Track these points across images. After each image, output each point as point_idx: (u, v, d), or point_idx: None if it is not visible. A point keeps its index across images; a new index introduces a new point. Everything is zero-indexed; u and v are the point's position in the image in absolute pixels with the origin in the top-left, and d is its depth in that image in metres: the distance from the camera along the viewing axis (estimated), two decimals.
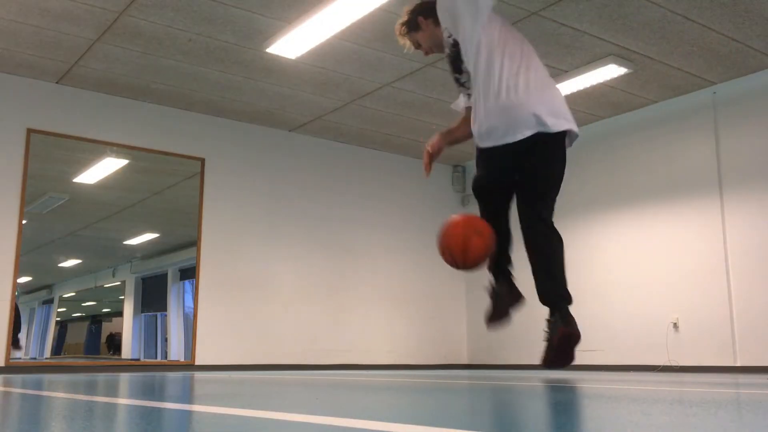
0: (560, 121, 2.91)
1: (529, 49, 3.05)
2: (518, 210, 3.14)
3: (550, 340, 2.91)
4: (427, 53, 3.47)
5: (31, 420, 1.43)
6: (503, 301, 3.20)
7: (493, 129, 2.95)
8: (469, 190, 8.45)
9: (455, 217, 3.06)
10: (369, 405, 1.83)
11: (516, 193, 3.13)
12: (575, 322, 2.87)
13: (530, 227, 3.07)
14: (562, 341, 2.86)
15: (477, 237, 2.94)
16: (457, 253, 2.94)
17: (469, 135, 3.24)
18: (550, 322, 2.93)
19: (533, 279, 3.05)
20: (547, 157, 2.98)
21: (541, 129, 2.87)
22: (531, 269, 3.07)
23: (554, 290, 2.95)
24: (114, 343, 6.78)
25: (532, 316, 8.13)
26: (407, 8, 3.33)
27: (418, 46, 3.39)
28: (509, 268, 3.22)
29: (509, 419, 1.41)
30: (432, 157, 3.36)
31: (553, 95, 2.99)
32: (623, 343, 6.61)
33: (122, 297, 6.81)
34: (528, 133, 2.88)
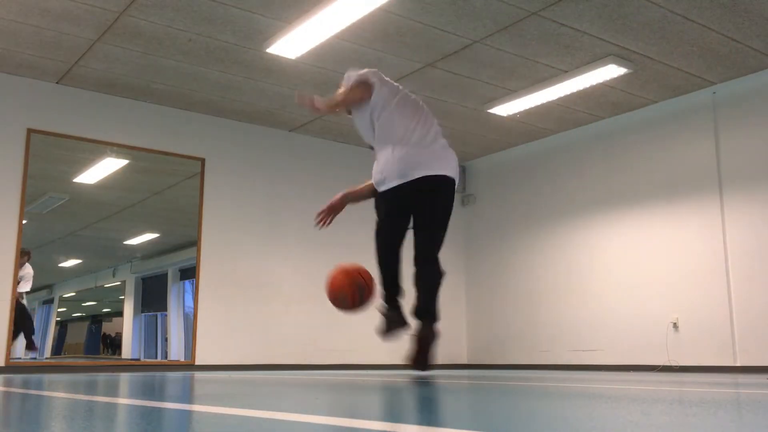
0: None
1: None
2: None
3: (413, 342, 3.54)
4: None
5: (31, 420, 1.43)
6: (393, 323, 3.61)
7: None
8: (470, 190, 8.48)
9: (340, 276, 3.54)
10: (369, 405, 1.83)
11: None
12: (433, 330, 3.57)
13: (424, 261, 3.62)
14: (420, 341, 3.54)
15: (365, 292, 3.49)
16: (350, 304, 3.48)
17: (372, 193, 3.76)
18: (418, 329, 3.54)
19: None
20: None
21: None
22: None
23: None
24: (113, 342, 6.78)
25: (532, 319, 8.15)
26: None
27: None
28: (400, 299, 3.64)
29: (509, 419, 1.41)
30: (332, 212, 3.88)
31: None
32: (623, 343, 6.61)
33: (122, 297, 6.81)
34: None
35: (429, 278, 3.58)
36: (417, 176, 3.39)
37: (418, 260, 3.54)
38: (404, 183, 3.40)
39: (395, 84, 3.65)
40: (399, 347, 7.70)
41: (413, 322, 3.59)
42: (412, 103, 3.61)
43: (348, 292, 3.46)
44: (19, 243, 5.76)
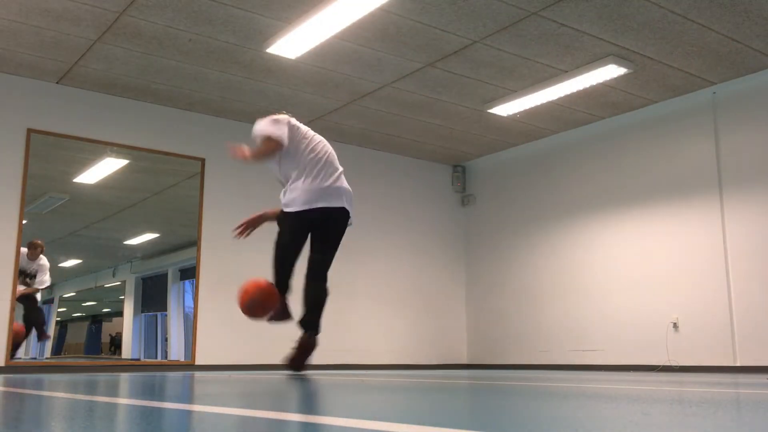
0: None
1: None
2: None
3: (297, 347, 4.29)
4: None
5: (31, 420, 1.43)
6: (279, 313, 4.32)
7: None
8: (470, 190, 8.48)
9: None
10: (369, 405, 1.83)
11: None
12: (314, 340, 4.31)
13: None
14: (302, 348, 4.30)
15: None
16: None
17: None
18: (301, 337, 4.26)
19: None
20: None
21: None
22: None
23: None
24: (112, 342, 6.80)
25: (532, 319, 8.15)
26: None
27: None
28: (287, 295, 4.30)
29: (509, 419, 1.41)
30: (249, 226, 4.39)
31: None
32: (623, 343, 6.61)
33: (122, 297, 6.81)
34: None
35: (318, 295, 4.26)
36: (318, 206, 4.08)
37: (310, 277, 4.21)
38: (307, 209, 4.05)
39: (304, 128, 4.34)
40: (399, 348, 7.73)
41: (299, 330, 4.33)
42: (319, 143, 4.33)
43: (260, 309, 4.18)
44: (20, 243, 5.77)
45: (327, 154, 4.31)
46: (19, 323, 5.93)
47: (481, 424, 1.28)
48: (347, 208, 4.19)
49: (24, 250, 5.96)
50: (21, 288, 5.94)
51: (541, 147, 7.62)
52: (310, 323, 4.27)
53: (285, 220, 4.18)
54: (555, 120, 7.02)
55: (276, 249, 4.19)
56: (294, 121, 4.34)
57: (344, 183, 4.27)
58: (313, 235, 4.21)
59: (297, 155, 4.21)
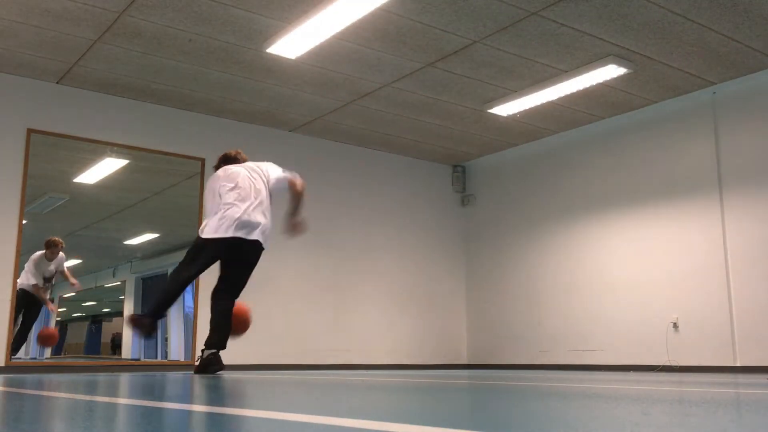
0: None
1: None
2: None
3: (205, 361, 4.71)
4: None
5: (31, 420, 1.43)
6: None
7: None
8: (470, 190, 8.48)
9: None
10: (369, 405, 1.83)
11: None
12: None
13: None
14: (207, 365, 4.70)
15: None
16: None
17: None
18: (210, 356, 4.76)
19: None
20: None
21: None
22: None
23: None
24: (114, 343, 6.80)
25: (532, 319, 8.14)
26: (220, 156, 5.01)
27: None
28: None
29: (509, 419, 1.41)
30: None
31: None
32: (623, 343, 6.61)
33: (122, 297, 6.81)
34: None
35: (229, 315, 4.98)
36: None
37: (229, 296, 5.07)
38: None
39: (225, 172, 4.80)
40: (399, 348, 7.73)
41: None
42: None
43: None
44: (20, 243, 5.76)
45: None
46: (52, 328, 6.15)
47: (481, 424, 1.28)
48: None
49: (36, 254, 5.98)
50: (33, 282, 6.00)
51: (541, 147, 7.62)
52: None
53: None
54: (555, 120, 7.01)
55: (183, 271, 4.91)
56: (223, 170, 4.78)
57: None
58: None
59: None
